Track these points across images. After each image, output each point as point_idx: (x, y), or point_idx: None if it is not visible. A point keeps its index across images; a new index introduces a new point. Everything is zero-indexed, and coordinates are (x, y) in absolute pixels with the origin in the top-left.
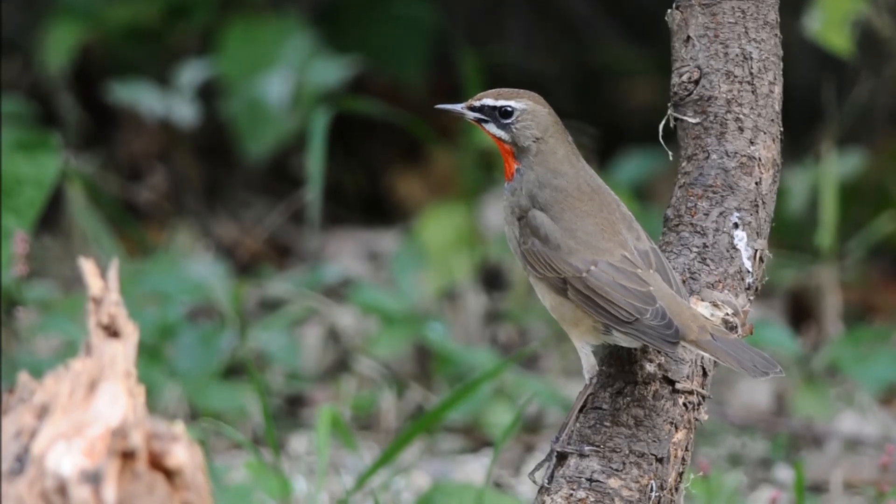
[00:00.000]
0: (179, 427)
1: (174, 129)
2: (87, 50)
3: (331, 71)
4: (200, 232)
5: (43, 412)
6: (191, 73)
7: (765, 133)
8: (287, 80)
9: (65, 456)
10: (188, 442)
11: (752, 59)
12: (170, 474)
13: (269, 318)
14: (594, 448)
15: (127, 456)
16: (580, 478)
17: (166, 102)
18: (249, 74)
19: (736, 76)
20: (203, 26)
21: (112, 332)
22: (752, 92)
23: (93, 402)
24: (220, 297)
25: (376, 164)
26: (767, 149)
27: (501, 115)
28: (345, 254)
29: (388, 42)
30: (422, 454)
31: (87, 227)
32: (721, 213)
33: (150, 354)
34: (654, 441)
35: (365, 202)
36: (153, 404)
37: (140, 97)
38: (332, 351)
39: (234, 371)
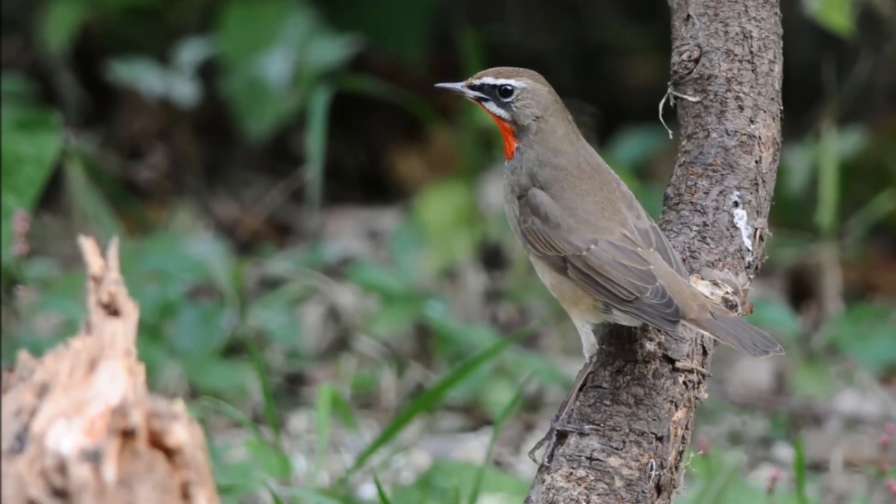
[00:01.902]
0: (179, 406)
1: (174, 107)
2: (87, 28)
3: (331, 49)
4: (200, 210)
5: (43, 391)
6: (191, 52)
7: (765, 111)
8: (287, 59)
9: (65, 434)
10: (188, 421)
11: (752, 37)
12: (170, 453)
13: (269, 297)
14: (594, 426)
15: (127, 435)
16: (580, 456)
17: (166, 81)
18: (249, 53)
19: (736, 55)
20: (203, 5)
21: (112, 310)
22: (752, 70)
23: (93, 380)
24: (220, 276)
25: (376, 143)
26: (767, 127)
27: (501, 93)
28: (345, 232)
29: (387, 20)
30: (422, 433)
31: (87, 205)
32: (721, 192)
33: (150, 333)
34: (654, 420)
35: (365, 181)
36: (153, 383)
37: (140, 76)
38: (332, 329)
39: (234, 350)
